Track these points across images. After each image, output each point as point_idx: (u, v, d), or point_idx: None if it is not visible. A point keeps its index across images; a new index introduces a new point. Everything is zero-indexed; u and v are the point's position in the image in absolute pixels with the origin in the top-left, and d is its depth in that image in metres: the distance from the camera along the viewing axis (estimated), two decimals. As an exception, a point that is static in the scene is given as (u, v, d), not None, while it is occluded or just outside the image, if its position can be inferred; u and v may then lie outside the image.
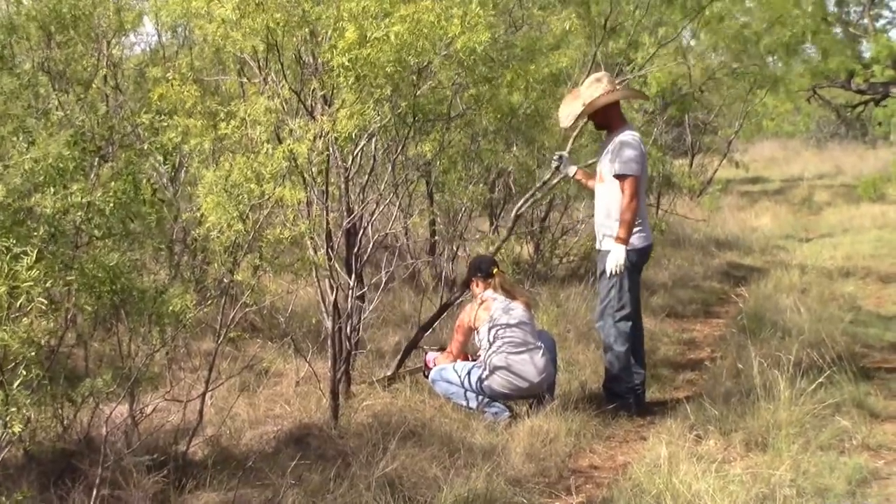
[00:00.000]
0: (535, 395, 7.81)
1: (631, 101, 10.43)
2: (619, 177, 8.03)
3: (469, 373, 7.80)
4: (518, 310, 7.94)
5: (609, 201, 8.19)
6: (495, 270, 8.10)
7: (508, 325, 7.82)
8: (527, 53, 10.05)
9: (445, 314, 9.05)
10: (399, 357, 8.54)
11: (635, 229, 8.08)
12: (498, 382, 7.73)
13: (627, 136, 8.15)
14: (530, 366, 7.71)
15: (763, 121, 23.87)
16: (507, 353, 7.73)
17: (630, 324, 8.22)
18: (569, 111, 8.51)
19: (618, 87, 8.42)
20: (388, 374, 8.41)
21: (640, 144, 8.15)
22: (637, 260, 8.20)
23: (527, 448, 6.96)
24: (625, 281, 8.12)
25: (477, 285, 8.15)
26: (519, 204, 9.49)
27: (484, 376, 7.75)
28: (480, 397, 7.74)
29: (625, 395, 8.20)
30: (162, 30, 11.05)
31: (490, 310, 7.87)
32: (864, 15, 26.46)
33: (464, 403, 7.79)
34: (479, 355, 7.88)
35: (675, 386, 9.05)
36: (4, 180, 5.52)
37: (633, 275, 8.20)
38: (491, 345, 7.77)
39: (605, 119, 8.39)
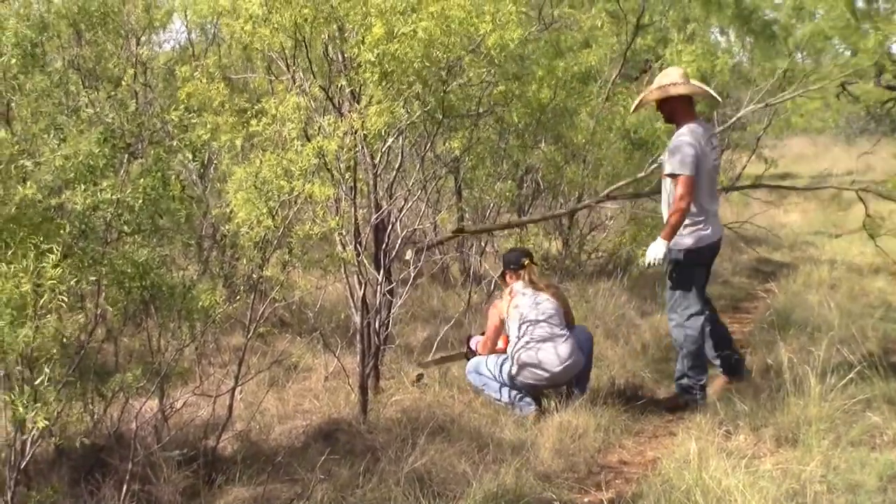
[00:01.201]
0: (561, 383, 7.85)
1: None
2: (671, 176, 8.05)
3: (501, 366, 7.83)
4: (545, 303, 7.96)
5: (667, 197, 8.24)
6: (526, 262, 8.11)
7: (536, 322, 7.84)
8: (556, 51, 10.06)
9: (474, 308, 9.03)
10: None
11: (689, 228, 8.10)
12: (524, 374, 7.76)
13: (684, 134, 8.12)
14: (553, 355, 7.73)
15: (792, 117, 23.73)
16: (533, 347, 7.77)
17: (699, 322, 8.18)
18: (638, 98, 8.64)
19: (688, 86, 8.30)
20: (430, 359, 8.45)
21: (698, 142, 8.06)
22: (689, 259, 8.18)
23: (556, 443, 6.95)
24: (684, 280, 8.21)
25: (510, 277, 8.20)
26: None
27: (513, 371, 7.78)
28: (513, 392, 7.74)
29: (692, 391, 8.22)
30: (190, 27, 11.10)
31: (519, 306, 7.91)
32: (894, 10, 26.28)
33: (497, 397, 7.80)
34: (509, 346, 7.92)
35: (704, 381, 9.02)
36: (35, 177, 5.55)
37: (691, 274, 8.23)
38: (519, 339, 7.80)
39: (671, 113, 8.39)
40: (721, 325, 8.65)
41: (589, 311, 10.22)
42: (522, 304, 7.92)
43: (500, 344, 8.15)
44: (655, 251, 7.94)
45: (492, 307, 8.23)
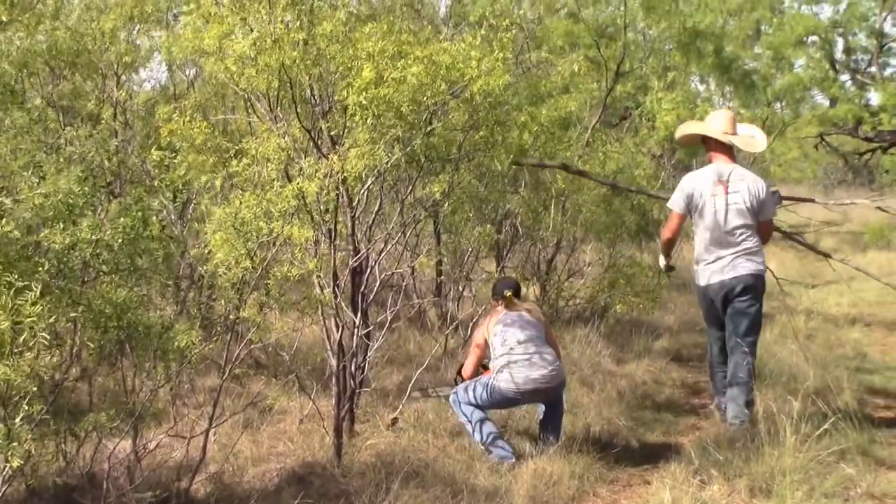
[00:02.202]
0: (542, 395, 7.86)
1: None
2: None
3: (480, 390, 7.84)
4: (525, 315, 8.06)
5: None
6: (508, 294, 8.16)
7: (514, 327, 7.93)
8: (537, 96, 10.12)
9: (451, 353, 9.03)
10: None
11: (695, 267, 8.65)
12: (504, 380, 7.72)
13: (691, 174, 8.82)
14: (535, 367, 7.75)
15: (770, 166, 23.89)
16: (512, 354, 7.78)
17: (713, 357, 8.93)
18: (683, 130, 9.31)
19: (729, 132, 8.73)
20: (419, 390, 8.48)
21: (691, 182, 8.54)
22: (701, 298, 8.77)
23: (530, 490, 6.92)
24: (704, 315, 8.93)
25: (494, 304, 8.31)
26: None
27: (493, 381, 7.78)
28: (487, 432, 7.72)
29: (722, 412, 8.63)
30: (172, 67, 11.13)
31: (501, 323, 7.98)
32: (873, 63, 26.51)
33: (474, 438, 7.78)
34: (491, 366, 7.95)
35: (679, 430, 9.01)
36: (14, 215, 5.54)
37: (705, 312, 8.83)
38: (501, 355, 7.82)
39: (706, 150, 8.91)
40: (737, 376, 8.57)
41: (565, 357, 10.20)
42: (504, 321, 7.98)
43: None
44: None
45: (477, 328, 8.30)
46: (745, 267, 8.40)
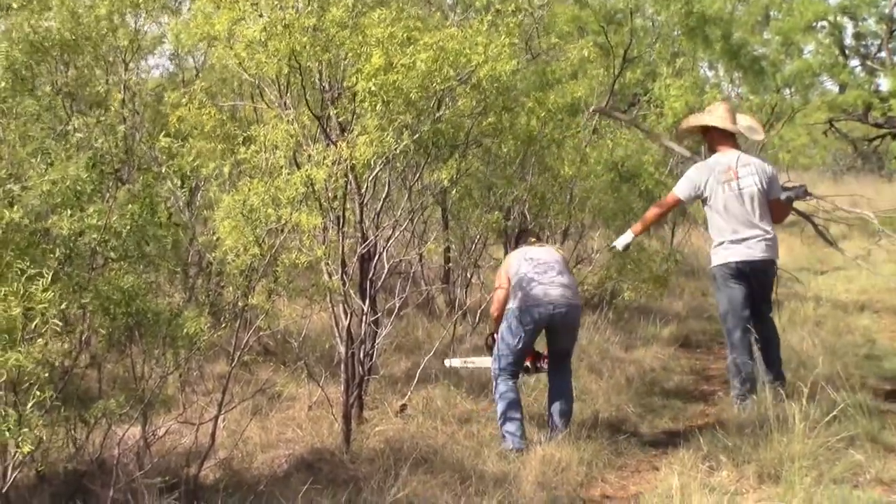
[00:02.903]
0: (559, 312, 7.89)
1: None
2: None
3: (506, 319, 8.02)
4: (547, 251, 8.29)
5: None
6: (532, 240, 8.47)
7: (533, 255, 8.14)
8: (545, 82, 10.11)
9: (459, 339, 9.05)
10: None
11: (713, 249, 8.89)
12: (523, 292, 7.87)
13: (699, 163, 9.33)
14: (554, 286, 7.91)
15: (779, 153, 23.81)
16: (530, 273, 7.95)
17: (734, 336, 8.82)
18: (687, 122, 9.66)
19: (731, 121, 9.04)
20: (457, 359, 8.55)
21: (700, 172, 8.87)
22: (719, 275, 8.83)
23: (538, 476, 6.92)
24: (717, 296, 9.03)
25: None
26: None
27: (513, 305, 7.92)
28: (510, 417, 7.75)
29: (738, 394, 8.61)
30: (180, 54, 11.12)
31: (522, 254, 8.20)
32: (882, 48, 26.41)
33: (497, 408, 7.90)
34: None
35: (688, 416, 9.02)
36: (22, 201, 5.54)
37: (722, 291, 8.85)
38: (520, 272, 8.00)
39: (708, 141, 9.35)
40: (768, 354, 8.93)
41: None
42: (524, 252, 8.20)
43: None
44: (621, 239, 9.25)
45: (498, 272, 8.46)
46: (767, 248, 8.72)
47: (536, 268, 7.99)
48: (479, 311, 9.77)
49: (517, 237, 8.82)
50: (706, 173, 8.81)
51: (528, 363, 8.30)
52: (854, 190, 18.70)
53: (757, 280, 8.76)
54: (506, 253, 11.74)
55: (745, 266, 8.68)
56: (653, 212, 9.30)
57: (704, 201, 8.85)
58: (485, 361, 8.51)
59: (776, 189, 8.91)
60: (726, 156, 8.85)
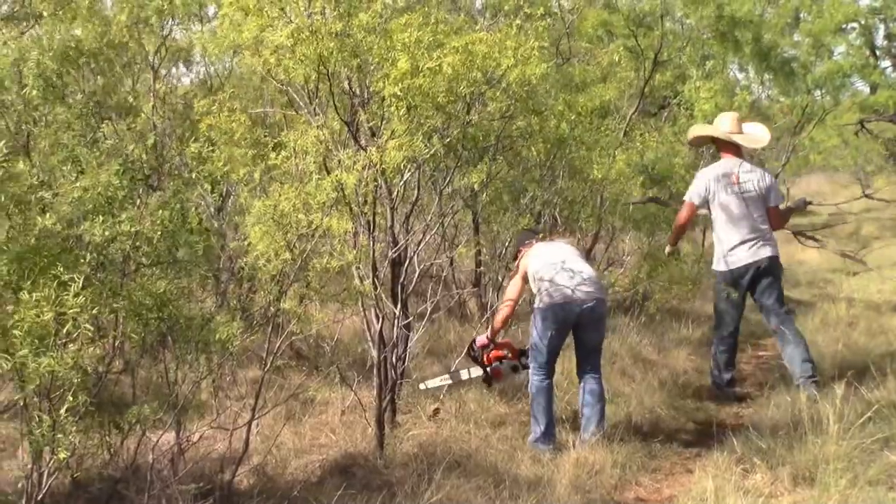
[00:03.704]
0: (587, 307, 7.91)
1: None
2: None
3: (535, 318, 8.05)
4: (563, 247, 8.43)
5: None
6: (541, 235, 8.67)
7: (551, 251, 8.25)
8: (573, 85, 10.11)
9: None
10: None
11: (716, 254, 9.62)
12: (547, 293, 7.90)
13: (705, 169, 9.93)
14: (575, 282, 7.93)
15: (810, 154, 23.72)
16: (552, 272, 7.97)
17: (720, 336, 9.84)
18: (693, 132, 10.40)
19: (734, 132, 9.69)
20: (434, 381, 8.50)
21: (704, 177, 9.59)
22: (721, 279, 9.60)
23: (572, 480, 6.91)
24: (718, 296, 9.84)
25: (523, 252, 8.47)
26: None
27: (539, 305, 7.96)
28: (543, 420, 7.79)
29: (719, 391, 9.74)
30: (209, 62, 11.16)
31: (539, 255, 8.22)
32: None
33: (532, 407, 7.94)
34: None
35: (721, 418, 8.97)
36: (54, 208, 5.57)
37: (722, 293, 9.68)
38: (539, 272, 8.03)
39: (717, 149, 9.96)
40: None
41: (606, 347, 10.18)
42: (541, 252, 8.24)
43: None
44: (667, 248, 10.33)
45: (511, 274, 8.60)
46: (768, 249, 9.38)
47: (557, 266, 8.01)
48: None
49: (522, 237, 8.85)
50: (712, 177, 9.49)
51: (514, 361, 8.34)
52: (886, 191, 18.56)
53: (764, 279, 9.39)
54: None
55: (749, 269, 9.36)
56: (678, 224, 9.95)
57: (708, 205, 9.46)
58: (452, 378, 8.50)
59: (775, 197, 9.58)
60: (729, 162, 9.51)
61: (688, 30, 16.81)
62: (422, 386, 8.50)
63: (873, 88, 25.14)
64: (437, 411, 8.21)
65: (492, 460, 7.23)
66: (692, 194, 9.58)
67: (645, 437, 8.02)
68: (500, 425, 8.11)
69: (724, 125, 9.74)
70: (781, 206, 9.75)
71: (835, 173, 33.81)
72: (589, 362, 8.04)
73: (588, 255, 12.07)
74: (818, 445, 6.94)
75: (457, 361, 8.72)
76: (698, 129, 10.29)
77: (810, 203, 10.66)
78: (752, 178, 9.43)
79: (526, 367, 8.25)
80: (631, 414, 8.57)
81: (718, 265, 9.59)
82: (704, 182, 9.51)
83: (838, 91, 21.43)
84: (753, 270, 9.38)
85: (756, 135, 9.77)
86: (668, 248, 10.25)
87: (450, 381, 8.57)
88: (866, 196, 12.40)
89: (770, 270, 9.46)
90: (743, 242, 9.36)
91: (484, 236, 11.18)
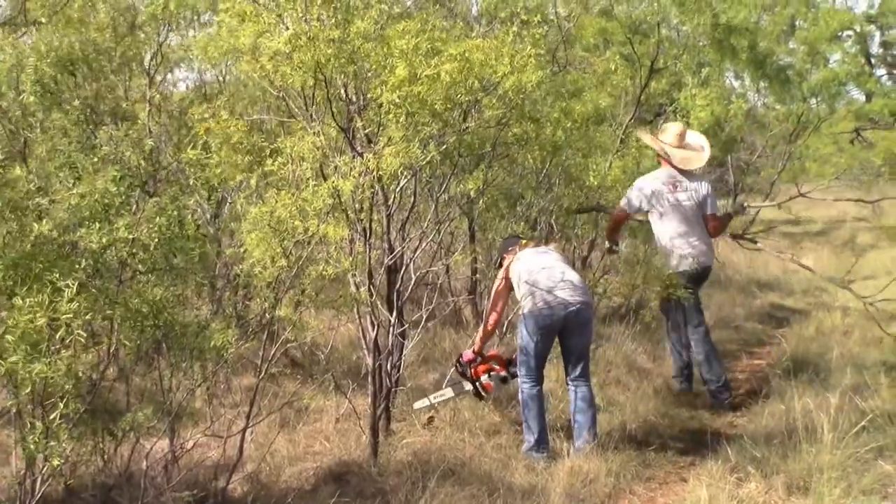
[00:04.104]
0: (571, 311, 7.88)
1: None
2: None
3: (520, 325, 8.06)
4: (543, 247, 8.55)
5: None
6: (523, 242, 8.53)
7: (535, 257, 8.23)
8: (569, 92, 10.12)
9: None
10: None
11: (666, 255, 9.84)
12: (532, 298, 7.89)
13: (642, 178, 10.05)
14: (561, 287, 7.92)
15: (806, 162, 23.77)
16: (537, 277, 7.98)
17: (679, 332, 10.08)
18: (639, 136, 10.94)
19: (674, 144, 9.87)
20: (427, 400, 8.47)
21: (639, 186, 9.82)
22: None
23: (566, 488, 6.91)
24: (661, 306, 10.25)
25: (508, 258, 8.47)
26: None
27: (524, 311, 7.95)
28: (535, 427, 7.79)
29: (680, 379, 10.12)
30: (205, 68, 11.16)
31: (522, 260, 8.23)
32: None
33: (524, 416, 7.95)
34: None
35: (716, 427, 8.98)
36: (50, 214, 5.57)
37: (666, 303, 10.03)
38: (523, 277, 8.04)
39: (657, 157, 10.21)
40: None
41: (600, 355, 10.19)
42: (525, 258, 8.23)
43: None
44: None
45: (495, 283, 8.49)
46: (707, 255, 9.73)
47: (542, 271, 8.01)
48: (506, 322, 9.74)
49: (505, 243, 8.80)
50: (650, 185, 9.76)
51: (503, 373, 8.34)
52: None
53: (699, 286, 9.83)
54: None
55: (683, 276, 9.65)
56: (609, 226, 10.43)
57: (648, 211, 9.73)
58: (454, 390, 8.48)
59: (711, 205, 9.79)
60: (666, 171, 9.79)
61: (684, 37, 16.86)
62: (416, 405, 8.46)
63: (868, 97, 25.21)
64: (431, 419, 8.21)
65: (486, 469, 7.23)
66: (625, 203, 9.87)
67: (639, 445, 8.03)
68: (495, 434, 8.10)
69: (665, 137, 9.92)
70: (718, 213, 9.98)
71: (831, 181, 33.83)
72: (577, 368, 8.02)
73: (584, 263, 12.10)
74: (812, 454, 6.96)
75: (447, 378, 8.68)
76: (641, 135, 10.64)
77: (746, 207, 10.79)
78: (689, 188, 9.69)
79: (515, 376, 8.23)
80: (625, 422, 8.56)
81: (672, 266, 9.79)
82: (638, 192, 9.78)
83: (834, 99, 21.49)
84: (686, 279, 9.68)
85: (691, 156, 9.89)
86: (606, 245, 10.51)
87: (442, 399, 8.54)
88: (801, 195, 12.39)
89: (703, 277, 9.89)
90: (687, 246, 9.64)
91: (480, 244, 11.18)
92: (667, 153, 9.72)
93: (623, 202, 9.89)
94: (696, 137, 10.12)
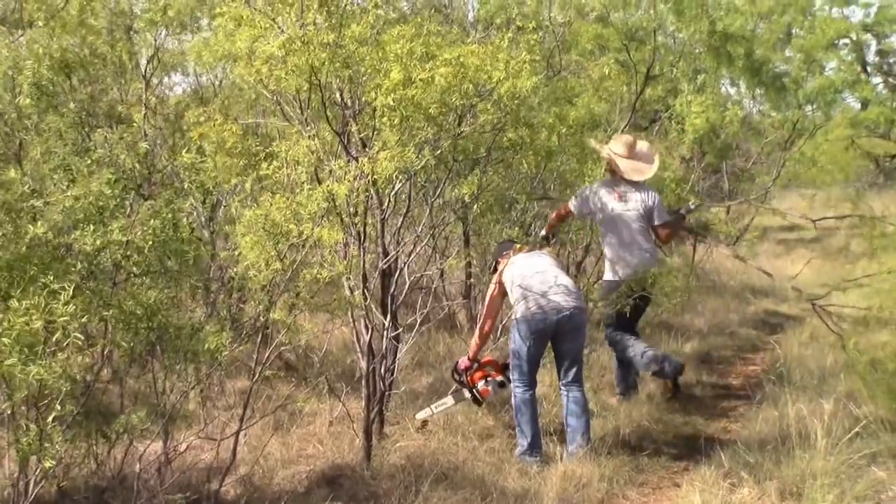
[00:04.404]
0: (563, 316, 7.90)
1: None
2: None
3: (513, 330, 8.08)
4: (538, 252, 8.57)
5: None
6: (517, 246, 8.60)
7: (528, 262, 8.30)
8: (564, 98, 10.13)
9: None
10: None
11: (609, 263, 9.74)
12: (525, 303, 7.91)
13: (593, 183, 9.95)
14: (554, 292, 7.95)
15: (801, 170, 23.80)
16: (530, 281, 8.01)
17: (625, 341, 9.73)
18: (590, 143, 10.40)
19: (623, 155, 9.75)
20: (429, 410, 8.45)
21: (588, 191, 9.70)
22: (608, 288, 9.76)
23: (559, 493, 6.92)
24: (608, 306, 9.88)
25: (502, 262, 8.52)
26: None
27: (516, 316, 7.97)
28: (528, 432, 7.81)
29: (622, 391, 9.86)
30: (201, 72, 11.17)
31: (515, 264, 8.28)
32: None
33: (516, 419, 7.96)
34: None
35: (709, 432, 8.98)
36: (45, 216, 5.57)
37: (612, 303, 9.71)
38: (516, 282, 8.08)
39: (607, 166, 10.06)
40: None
41: (594, 360, 10.21)
42: (519, 263, 8.29)
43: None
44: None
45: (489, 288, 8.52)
46: (645, 262, 9.50)
47: (535, 275, 8.05)
48: (500, 327, 9.76)
49: (499, 248, 8.91)
50: (597, 192, 9.63)
51: (499, 378, 8.34)
52: (876, 207, 18.57)
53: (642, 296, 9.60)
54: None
55: (629, 279, 9.45)
56: (551, 219, 10.14)
57: (594, 218, 9.73)
58: (455, 398, 8.48)
59: (659, 214, 9.68)
60: (614, 180, 9.71)
61: (680, 44, 16.86)
62: (418, 416, 8.45)
63: (864, 104, 25.24)
64: (424, 423, 8.21)
65: (479, 473, 7.24)
66: (573, 202, 9.77)
67: (632, 450, 8.03)
68: (488, 437, 8.12)
69: (615, 147, 9.82)
70: (666, 220, 9.89)
71: (826, 188, 33.85)
72: (570, 373, 8.02)
73: (578, 268, 12.10)
74: (806, 460, 6.97)
75: (451, 391, 8.67)
76: (590, 143, 10.36)
77: (693, 211, 10.75)
78: (635, 197, 9.57)
79: (511, 380, 8.26)
80: (619, 427, 8.57)
81: (607, 275, 9.77)
82: (584, 198, 9.69)
83: (829, 106, 21.51)
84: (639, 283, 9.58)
85: (639, 167, 9.78)
86: (541, 233, 10.15)
87: (443, 407, 8.53)
88: (747, 201, 12.51)
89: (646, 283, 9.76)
90: (629, 255, 9.55)
91: (474, 248, 11.19)
92: (615, 163, 9.65)
93: (571, 202, 9.83)
94: (646, 149, 10.00)
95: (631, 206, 9.53)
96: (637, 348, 9.40)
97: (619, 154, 9.65)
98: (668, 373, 9.31)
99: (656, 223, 9.65)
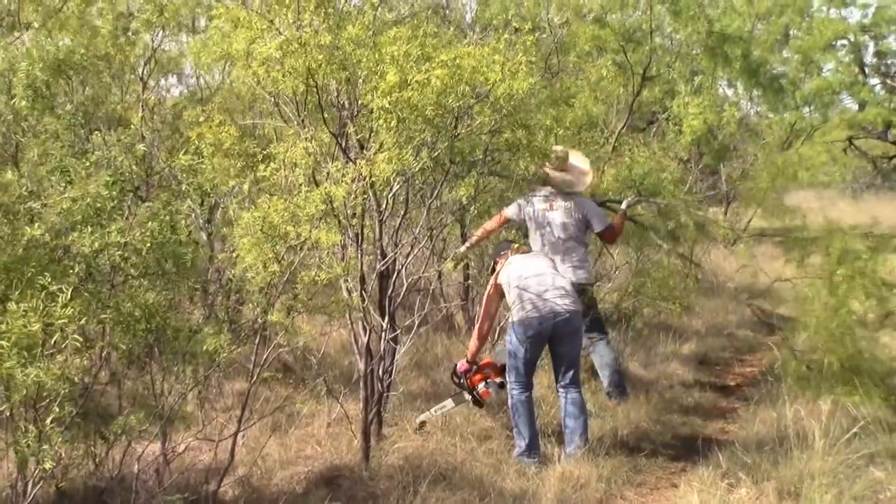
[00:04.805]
0: (560, 319, 7.95)
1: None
2: None
3: (509, 331, 8.12)
4: (537, 255, 8.64)
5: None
6: (515, 246, 8.72)
7: (526, 262, 8.37)
8: (560, 99, 10.13)
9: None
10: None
11: None
12: (522, 305, 7.97)
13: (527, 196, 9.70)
14: (550, 294, 8.01)
15: (798, 171, 23.82)
16: (526, 283, 8.07)
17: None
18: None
19: (557, 168, 9.54)
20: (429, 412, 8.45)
21: (527, 202, 9.43)
22: None
23: (557, 494, 6.93)
24: None
25: (500, 262, 8.57)
26: None
27: (512, 318, 8.03)
28: (525, 432, 7.83)
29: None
30: (199, 73, 11.18)
31: (513, 264, 8.34)
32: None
33: (514, 420, 7.98)
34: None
35: (707, 433, 9.00)
36: (43, 218, 5.58)
37: None
38: (513, 282, 8.14)
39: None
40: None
41: (589, 363, 10.21)
42: (517, 263, 8.33)
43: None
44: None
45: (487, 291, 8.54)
46: (579, 274, 9.20)
47: (532, 277, 8.09)
48: (497, 328, 9.76)
49: (498, 248, 8.99)
50: (532, 202, 9.41)
51: (499, 379, 8.33)
52: (874, 208, 18.59)
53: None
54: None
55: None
56: (484, 230, 9.69)
57: (528, 227, 9.42)
58: (455, 401, 8.48)
59: (598, 221, 9.50)
60: (548, 191, 9.48)
61: (677, 45, 16.87)
62: (417, 420, 8.45)
63: (862, 106, 25.26)
64: (422, 424, 8.21)
65: (477, 473, 7.24)
66: (507, 210, 9.55)
67: (630, 451, 8.05)
68: (486, 439, 8.12)
69: (549, 160, 9.69)
70: (604, 226, 9.68)
71: (823, 190, 33.87)
72: (567, 375, 8.03)
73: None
74: (803, 461, 6.97)
75: (452, 394, 8.67)
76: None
77: (633, 205, 10.67)
78: (566, 207, 9.40)
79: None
80: (617, 428, 8.58)
81: None
82: (518, 207, 9.51)
83: (827, 108, 21.55)
84: None
85: (570, 179, 9.61)
86: (464, 247, 9.88)
87: (444, 410, 8.53)
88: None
89: (581, 294, 9.48)
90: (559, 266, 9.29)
91: (472, 250, 11.20)
92: (548, 175, 9.50)
93: (507, 209, 9.56)
94: (580, 161, 9.83)
95: (561, 213, 9.40)
96: (605, 360, 9.72)
97: (551, 167, 9.52)
98: (615, 399, 9.46)
99: (597, 230, 9.57)
